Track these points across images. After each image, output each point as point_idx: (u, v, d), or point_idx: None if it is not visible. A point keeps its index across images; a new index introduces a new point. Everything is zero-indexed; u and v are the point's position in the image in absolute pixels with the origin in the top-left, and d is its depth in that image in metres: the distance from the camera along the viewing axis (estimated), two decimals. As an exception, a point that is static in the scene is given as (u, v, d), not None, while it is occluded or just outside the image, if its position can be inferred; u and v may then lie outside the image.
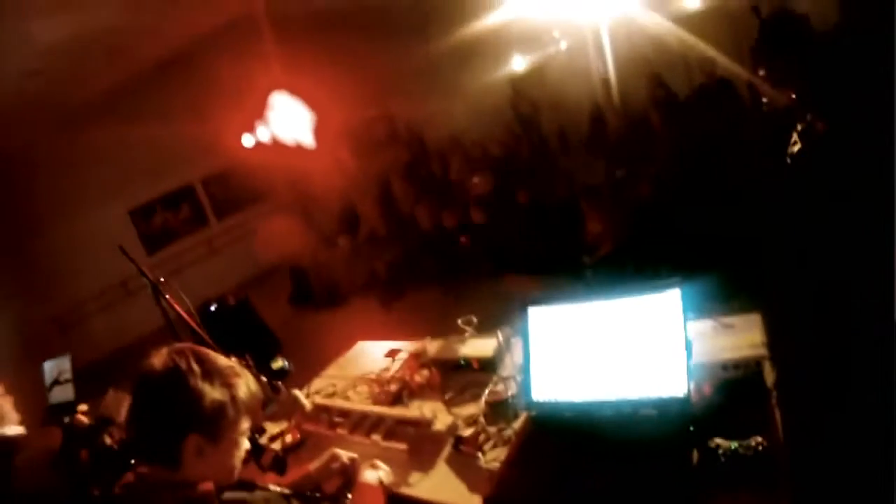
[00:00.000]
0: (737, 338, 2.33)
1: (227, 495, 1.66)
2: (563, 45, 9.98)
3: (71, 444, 3.74)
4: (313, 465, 2.26)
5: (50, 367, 5.31)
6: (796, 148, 3.03)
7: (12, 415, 3.86)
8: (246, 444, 1.75)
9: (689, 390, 1.99)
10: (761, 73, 3.10)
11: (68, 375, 5.16)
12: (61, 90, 9.31)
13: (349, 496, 2.09)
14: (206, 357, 1.65)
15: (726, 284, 3.50)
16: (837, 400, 2.80)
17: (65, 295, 11.38)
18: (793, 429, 1.84)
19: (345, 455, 2.24)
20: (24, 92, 8.59)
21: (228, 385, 1.62)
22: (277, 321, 8.35)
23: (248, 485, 1.83)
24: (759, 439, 1.71)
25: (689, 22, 7.71)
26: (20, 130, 9.74)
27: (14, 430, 3.81)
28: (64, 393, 5.09)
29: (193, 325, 2.98)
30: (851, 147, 2.74)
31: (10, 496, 3.52)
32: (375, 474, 2.11)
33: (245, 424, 1.69)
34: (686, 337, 2.02)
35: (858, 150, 2.72)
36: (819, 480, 2.37)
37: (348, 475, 2.22)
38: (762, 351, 2.18)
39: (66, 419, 3.93)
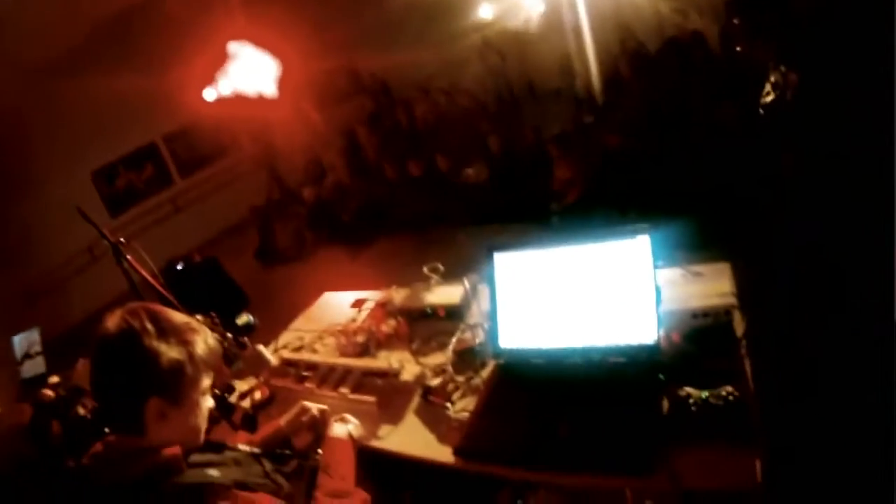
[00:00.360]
0: (706, 286, 2.31)
1: (195, 458, 1.63)
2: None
3: (40, 417, 3.72)
4: (283, 419, 2.23)
5: (19, 341, 5.33)
6: (769, 98, 3.01)
7: None
8: (209, 403, 1.72)
9: (658, 338, 1.99)
10: (735, 21, 3.07)
11: (38, 348, 5.21)
12: (14, 50, 9.05)
13: (319, 451, 2.06)
14: (161, 315, 1.60)
15: (695, 234, 3.50)
16: (807, 349, 2.83)
17: (31, 265, 11.17)
18: (763, 378, 1.84)
19: (314, 407, 2.22)
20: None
21: (185, 342, 1.58)
22: (245, 277, 8.31)
23: (217, 446, 1.81)
24: (730, 389, 1.70)
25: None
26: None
27: None
28: (35, 366, 5.12)
29: (157, 285, 2.94)
30: (825, 97, 2.73)
31: None
32: (345, 428, 2.08)
33: (206, 382, 1.66)
34: (655, 283, 2.01)
35: (832, 101, 2.71)
36: (790, 430, 2.40)
37: (318, 428, 2.21)
38: (732, 300, 2.16)
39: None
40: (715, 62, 6.47)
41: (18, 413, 3.88)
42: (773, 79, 2.97)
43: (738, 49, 4.08)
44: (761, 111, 3.09)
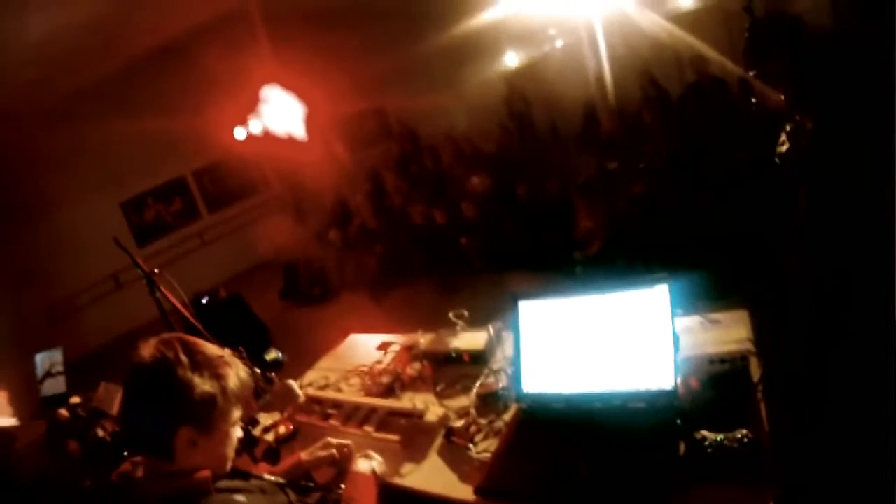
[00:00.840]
0: (723, 333, 2.35)
1: (223, 483, 1.67)
2: (559, 44, 10.00)
3: (56, 436, 3.75)
4: (305, 453, 2.28)
5: (42, 360, 5.31)
6: (784, 147, 3.05)
7: (6, 407, 3.89)
8: (238, 434, 1.76)
9: (676, 383, 2.02)
10: (752, 73, 3.13)
11: (60, 368, 5.16)
12: (53, 82, 9.25)
13: (342, 486, 2.11)
14: (195, 347, 1.65)
15: (715, 283, 3.54)
16: (822, 395, 2.85)
17: (56, 288, 11.30)
18: (778, 422, 1.87)
19: (336, 442, 2.27)
20: (16, 83, 8.55)
21: (218, 376, 1.62)
22: (269, 315, 8.36)
23: (243, 474, 1.84)
24: (745, 432, 1.72)
25: (683, 20, 7.77)
26: (10, 123, 9.68)
27: (7, 421, 3.83)
28: (56, 385, 5.08)
29: (188, 316, 2.98)
30: (839, 146, 2.78)
31: (11, 482, 3.55)
32: (369, 464, 2.13)
33: (236, 414, 1.70)
34: (674, 331, 2.05)
35: (846, 150, 2.76)
36: (803, 473, 2.42)
37: (340, 464, 2.25)
38: (748, 346, 2.20)
39: (62, 410, 3.97)
40: (735, 109, 6.53)
41: (37, 428, 3.93)
42: (788, 128, 3.02)
43: (753, 101, 4.13)
44: (777, 160, 3.14)
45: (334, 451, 2.25)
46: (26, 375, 5.36)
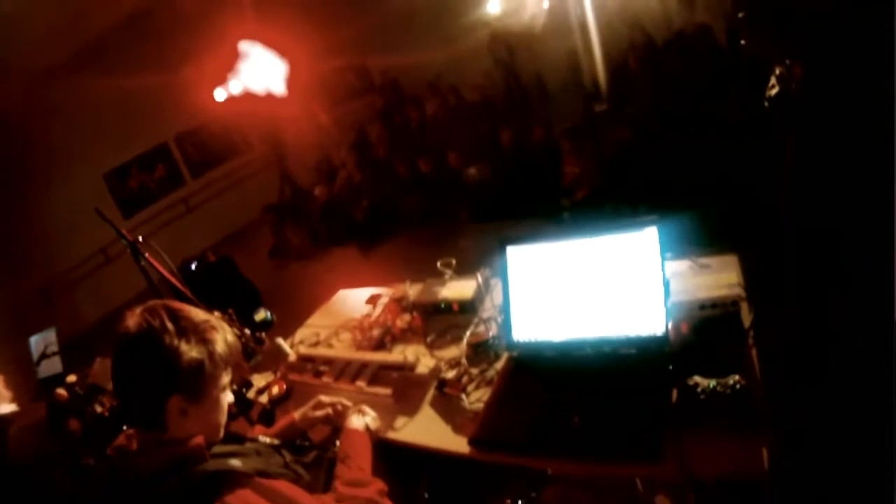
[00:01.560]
0: (713, 278, 2.33)
1: (217, 448, 1.67)
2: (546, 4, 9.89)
3: (56, 416, 3.75)
4: (297, 413, 2.28)
5: (36, 342, 5.33)
6: (774, 91, 3.03)
7: (4, 392, 3.87)
8: (230, 398, 1.75)
9: (667, 329, 2.02)
10: (741, 15, 3.08)
11: (55, 348, 5.19)
12: (26, 55, 9.10)
13: (337, 443, 2.11)
14: (181, 313, 1.63)
15: (704, 227, 3.52)
16: (813, 340, 2.86)
17: (45, 267, 11.25)
18: (770, 368, 1.87)
19: (329, 400, 2.27)
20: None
21: (205, 341, 1.61)
22: (258, 275, 8.32)
23: (237, 437, 1.85)
24: (737, 377, 1.73)
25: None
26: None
27: (6, 407, 3.83)
28: (52, 366, 5.12)
29: (176, 283, 2.97)
30: (830, 91, 2.75)
31: (6, 468, 3.55)
32: (362, 420, 2.13)
33: (226, 378, 1.69)
34: (664, 275, 2.04)
35: (837, 94, 2.73)
36: (795, 418, 2.43)
37: (334, 422, 2.25)
38: (739, 291, 2.18)
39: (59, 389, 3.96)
40: (721, 55, 6.48)
41: (35, 411, 3.93)
42: (777, 72, 2.99)
43: (742, 43, 4.09)
44: (766, 104, 3.11)
45: (329, 409, 2.25)
46: (22, 359, 5.35)
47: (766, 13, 2.99)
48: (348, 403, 2.27)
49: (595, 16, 8.56)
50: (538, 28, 9.97)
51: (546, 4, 9.87)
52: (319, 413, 2.25)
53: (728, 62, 6.07)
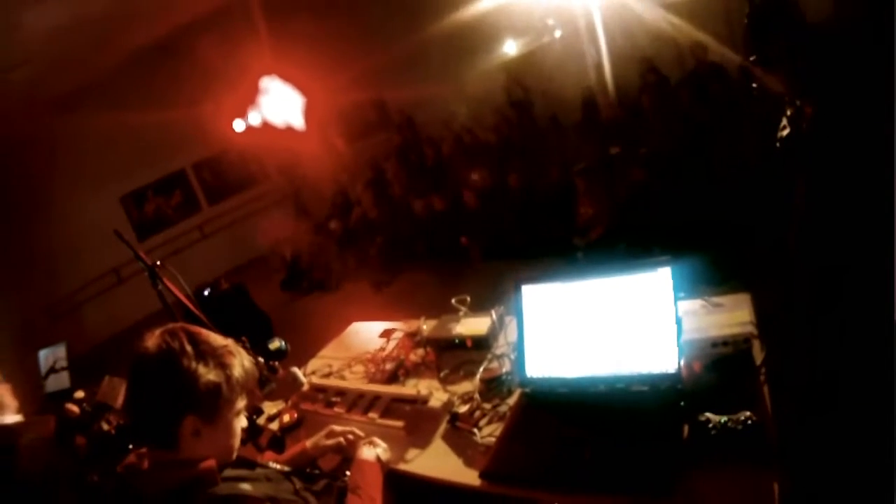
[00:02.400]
0: (726, 316, 2.35)
1: (228, 472, 1.69)
2: (558, 34, 9.97)
3: (64, 431, 3.76)
4: (309, 442, 2.30)
5: (45, 356, 5.33)
6: (786, 132, 3.05)
7: (11, 403, 3.88)
8: (243, 423, 1.77)
9: (679, 366, 2.03)
10: (752, 58, 3.13)
11: (63, 363, 5.19)
12: (50, 80, 9.25)
13: (347, 473, 2.12)
14: (200, 337, 1.66)
15: (716, 267, 3.54)
16: (825, 378, 2.86)
17: (58, 284, 11.37)
18: (781, 404, 1.87)
19: (341, 430, 2.29)
20: (11, 82, 8.55)
21: (223, 365, 1.63)
22: (270, 305, 8.39)
23: (248, 463, 1.86)
24: (748, 414, 1.73)
25: (681, 7, 7.73)
26: (7, 121, 9.68)
27: (13, 418, 3.84)
28: (59, 381, 5.11)
29: (192, 307, 2.98)
30: (840, 131, 2.78)
31: (14, 481, 3.55)
32: (374, 451, 2.14)
33: (241, 403, 1.71)
34: (677, 314, 2.05)
35: (847, 135, 2.76)
36: (806, 454, 2.43)
37: (345, 452, 2.27)
38: (751, 329, 2.20)
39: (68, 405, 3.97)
40: (735, 95, 6.52)
41: (43, 424, 3.94)
42: (788, 112, 3.02)
43: (754, 86, 4.12)
44: (778, 145, 3.14)
45: (340, 438, 2.26)
46: (30, 372, 5.38)
47: (778, 55, 3.03)
48: (360, 434, 2.28)
49: (609, 57, 8.64)
50: (553, 68, 10.06)
51: (558, 34, 9.97)
52: (331, 442, 2.26)
53: (741, 102, 6.11)
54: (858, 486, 2.36)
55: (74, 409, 3.90)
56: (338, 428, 2.31)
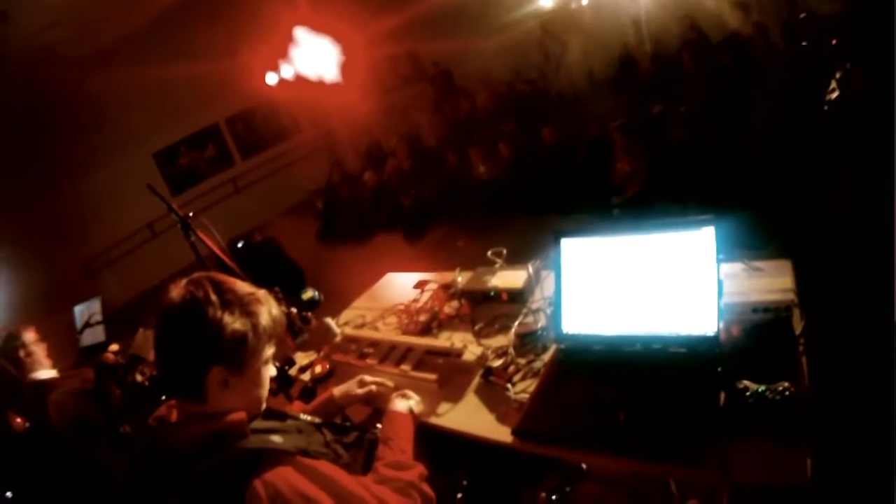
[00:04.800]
0: (767, 281, 2.29)
1: (258, 424, 1.70)
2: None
3: (103, 378, 3.82)
4: (338, 390, 2.31)
5: (81, 311, 5.41)
6: (834, 95, 2.97)
7: (45, 360, 3.96)
8: (272, 372, 1.77)
9: (718, 330, 1.99)
10: (802, 16, 3.03)
11: (98, 318, 5.26)
12: (82, 38, 9.29)
13: (378, 426, 2.12)
14: (225, 286, 1.65)
15: (756, 230, 3.48)
16: (864, 353, 2.80)
17: (93, 239, 11.56)
18: (818, 377, 1.83)
19: (372, 380, 2.29)
20: (44, 43, 8.59)
21: (249, 313, 1.62)
22: (304, 257, 8.43)
23: (279, 414, 1.87)
24: (787, 384, 1.69)
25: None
26: (42, 81, 9.75)
27: (47, 373, 3.91)
28: (95, 335, 5.18)
29: (226, 259, 2.98)
30: (888, 97, 2.70)
31: (48, 432, 3.62)
32: (406, 403, 2.14)
33: (269, 351, 1.71)
34: (718, 276, 2.01)
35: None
36: (841, 431, 2.39)
37: (374, 402, 2.28)
38: (792, 297, 2.13)
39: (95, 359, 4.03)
40: (777, 57, 6.37)
41: (79, 376, 4.02)
42: (837, 75, 2.94)
43: (803, 44, 4.00)
44: (825, 108, 3.06)
45: (372, 387, 2.27)
46: (66, 327, 5.46)
47: (828, 16, 2.94)
48: (391, 384, 2.29)
49: (648, 13, 8.47)
50: (590, 23, 9.91)
51: (585, 1, 9.83)
52: (361, 391, 2.27)
53: (784, 64, 5.96)
54: (891, 466, 2.33)
55: (111, 356, 3.97)
56: (368, 378, 2.32)
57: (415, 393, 2.22)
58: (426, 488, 1.78)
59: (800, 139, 4.47)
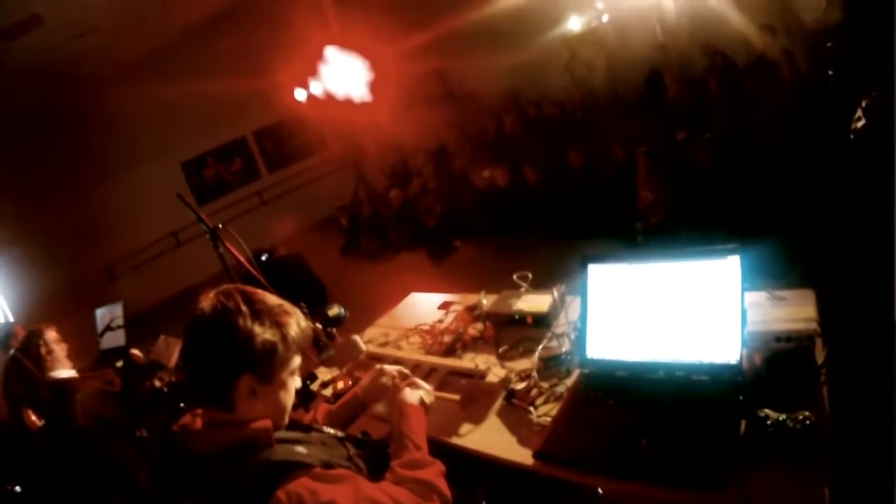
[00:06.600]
0: (790, 311, 2.28)
1: (283, 434, 1.71)
2: (605, 18, 9.89)
3: (130, 376, 3.87)
4: (360, 386, 2.29)
5: (102, 314, 5.44)
6: (860, 124, 2.97)
7: (65, 360, 4.01)
8: (297, 383, 1.79)
9: (741, 359, 2.00)
10: (829, 45, 3.04)
11: (120, 321, 5.28)
12: (114, 49, 9.45)
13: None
14: (255, 297, 1.67)
15: (780, 258, 3.47)
16: (886, 385, 2.78)
17: (117, 245, 11.72)
18: (839, 408, 1.84)
19: (391, 369, 2.27)
20: (79, 51, 8.74)
21: (279, 324, 1.65)
22: (328, 272, 8.48)
23: (303, 426, 1.88)
24: (807, 414, 1.70)
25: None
26: (75, 87, 9.92)
27: (66, 373, 3.96)
28: (115, 339, 5.20)
29: (253, 271, 3.02)
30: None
31: (69, 429, 3.67)
32: (416, 394, 2.08)
33: (296, 362, 1.73)
34: (743, 305, 2.02)
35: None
36: (862, 462, 2.38)
37: (384, 395, 2.25)
38: (815, 326, 2.13)
39: (119, 362, 4.08)
40: (804, 83, 6.35)
41: (101, 377, 4.07)
42: (864, 103, 2.94)
43: (830, 73, 3.99)
44: (851, 136, 3.06)
45: (394, 373, 2.24)
46: (87, 328, 5.53)
47: (856, 46, 2.95)
48: (408, 372, 2.27)
49: (674, 36, 8.49)
50: (617, 47, 9.94)
51: (605, 18, 9.86)
52: (385, 380, 2.23)
53: (811, 90, 5.95)
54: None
55: (139, 353, 4.04)
56: (388, 367, 2.28)
57: (437, 413, 2.20)
58: (444, 487, 1.75)
59: (825, 167, 4.47)
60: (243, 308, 1.61)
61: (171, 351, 4.09)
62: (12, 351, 4.07)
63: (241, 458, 1.55)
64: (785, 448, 1.68)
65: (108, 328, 5.29)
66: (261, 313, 1.63)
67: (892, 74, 2.83)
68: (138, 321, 7.46)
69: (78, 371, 4.12)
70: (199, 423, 1.65)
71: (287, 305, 1.73)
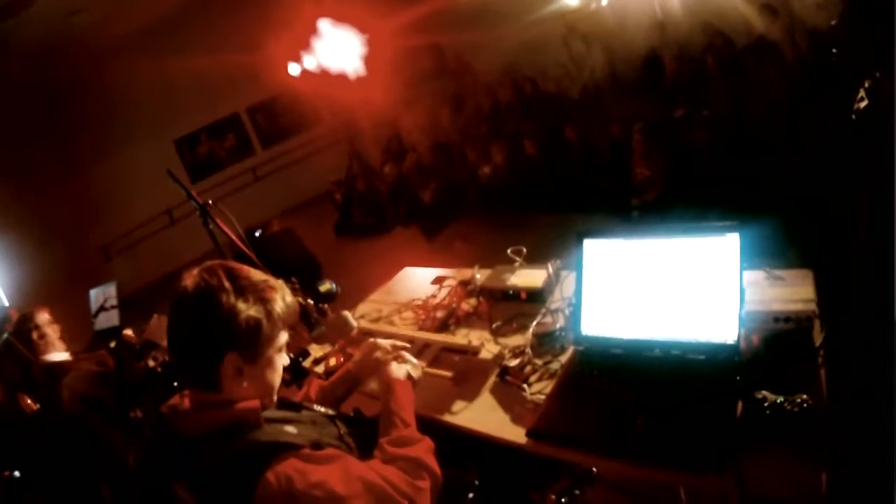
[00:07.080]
0: (788, 291, 2.25)
1: (273, 414, 1.70)
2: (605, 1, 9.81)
3: (124, 356, 3.85)
4: (352, 362, 2.26)
5: (96, 294, 5.46)
6: (863, 104, 2.93)
7: (58, 343, 3.98)
8: (285, 361, 1.76)
9: (738, 338, 1.97)
10: (833, 23, 3.00)
11: (114, 302, 5.31)
12: (106, 24, 9.37)
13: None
14: (239, 273, 1.64)
15: (777, 237, 3.44)
16: (884, 369, 2.77)
17: (111, 224, 11.67)
18: (837, 391, 1.82)
19: (385, 343, 2.22)
20: (71, 28, 8.65)
21: (263, 300, 1.62)
22: (322, 248, 8.47)
23: (294, 405, 1.87)
24: (805, 396, 1.68)
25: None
26: (66, 66, 9.84)
27: (60, 356, 3.93)
28: (109, 319, 5.24)
29: (242, 246, 3.00)
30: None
31: (59, 414, 3.65)
32: (403, 368, 2.06)
33: (282, 339, 1.71)
34: (741, 283, 1.99)
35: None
36: (858, 447, 2.37)
37: (371, 370, 2.19)
38: (813, 307, 2.10)
39: (113, 343, 4.05)
40: (805, 64, 6.31)
41: (94, 359, 4.05)
42: (866, 84, 2.90)
43: (833, 52, 3.95)
44: (853, 116, 3.02)
45: (388, 346, 2.19)
46: (81, 309, 5.51)
47: (860, 25, 2.91)
48: (402, 345, 2.22)
49: (673, 14, 8.42)
50: (615, 24, 9.86)
51: (604, 2, 9.78)
52: (378, 353, 2.18)
53: (811, 71, 5.90)
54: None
55: (131, 334, 4.01)
56: (381, 341, 2.23)
57: (430, 390, 2.21)
58: (433, 464, 1.74)
59: (826, 147, 4.44)
60: (226, 284, 1.58)
61: (164, 330, 4.06)
62: (6, 335, 4.04)
63: (229, 439, 1.54)
64: (782, 431, 1.66)
65: (102, 309, 5.30)
66: (244, 289, 1.60)
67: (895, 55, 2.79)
68: (134, 301, 7.46)
69: (72, 353, 4.10)
70: (186, 403, 1.64)
71: (272, 281, 1.70)
